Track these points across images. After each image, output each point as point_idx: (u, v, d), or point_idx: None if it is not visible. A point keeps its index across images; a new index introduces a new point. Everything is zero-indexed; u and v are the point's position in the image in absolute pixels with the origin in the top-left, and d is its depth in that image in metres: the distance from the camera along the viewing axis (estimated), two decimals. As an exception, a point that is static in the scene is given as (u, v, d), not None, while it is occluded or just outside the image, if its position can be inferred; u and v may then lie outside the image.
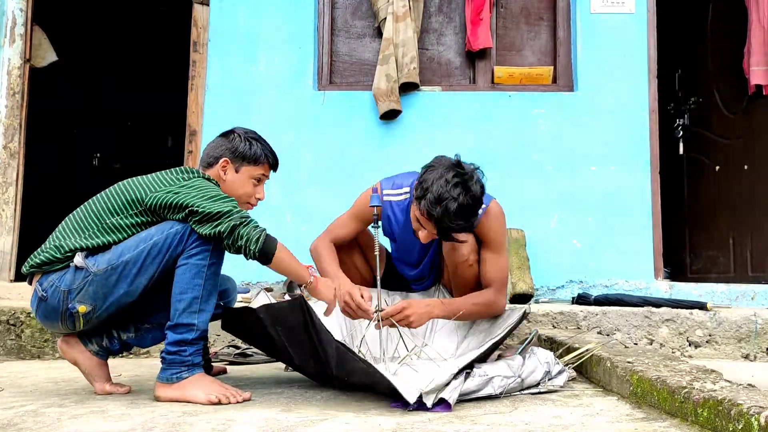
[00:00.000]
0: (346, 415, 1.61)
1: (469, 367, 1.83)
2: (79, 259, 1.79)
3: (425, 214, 2.00)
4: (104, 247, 1.84)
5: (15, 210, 3.81)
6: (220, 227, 1.78)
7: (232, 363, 2.66)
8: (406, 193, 2.31)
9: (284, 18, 3.85)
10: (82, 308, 1.80)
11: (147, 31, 6.30)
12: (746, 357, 2.82)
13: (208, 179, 1.97)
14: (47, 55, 4.09)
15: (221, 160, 2.03)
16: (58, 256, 1.82)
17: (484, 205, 2.14)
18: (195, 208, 1.80)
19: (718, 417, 1.34)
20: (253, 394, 1.87)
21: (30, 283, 1.89)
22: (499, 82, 3.88)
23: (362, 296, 2.04)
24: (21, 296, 3.52)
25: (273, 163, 2.12)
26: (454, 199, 1.94)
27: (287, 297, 3.26)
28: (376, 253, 2.10)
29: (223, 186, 2.02)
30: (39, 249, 1.87)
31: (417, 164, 3.68)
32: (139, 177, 1.95)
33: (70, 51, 5.27)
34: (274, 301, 2.23)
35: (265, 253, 1.81)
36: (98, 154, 6.98)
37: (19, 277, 3.79)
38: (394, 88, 3.63)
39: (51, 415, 1.63)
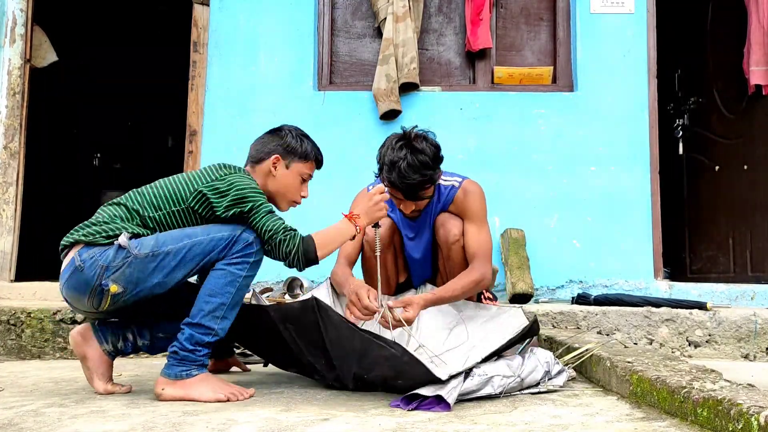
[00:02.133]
0: (346, 415, 1.61)
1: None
2: (123, 239, 1.80)
3: (388, 184, 2.19)
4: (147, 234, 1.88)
5: (15, 210, 3.81)
6: (271, 245, 1.89)
7: (232, 363, 2.66)
8: None
9: (284, 18, 3.86)
10: (113, 287, 1.79)
11: (147, 31, 6.30)
12: (746, 357, 2.82)
13: (244, 174, 1.99)
14: (47, 56, 4.10)
15: (273, 156, 2.06)
16: (104, 233, 1.84)
17: (457, 184, 2.35)
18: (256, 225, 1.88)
19: (717, 417, 1.34)
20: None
21: (63, 258, 1.89)
22: (499, 82, 3.88)
23: (369, 297, 2.09)
24: (21, 296, 3.52)
25: (319, 162, 2.17)
26: (402, 159, 2.14)
27: (287, 297, 3.27)
28: (377, 254, 2.15)
29: (273, 182, 2.07)
30: (83, 224, 1.89)
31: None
32: (185, 174, 2.00)
33: (70, 50, 5.28)
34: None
35: (310, 262, 1.91)
36: (98, 154, 6.98)
37: (19, 276, 3.79)
38: (394, 88, 3.63)
39: (51, 415, 1.63)
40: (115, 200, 1.95)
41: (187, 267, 1.83)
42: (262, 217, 1.89)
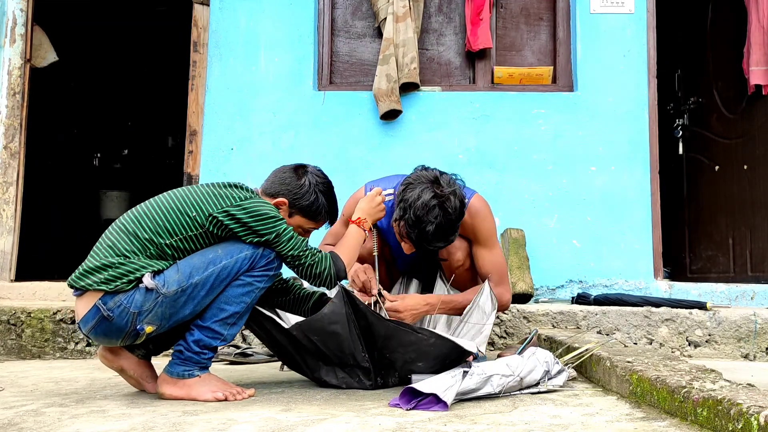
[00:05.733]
0: (346, 414, 1.61)
1: (466, 363, 1.86)
2: (149, 280, 1.75)
3: (405, 235, 2.07)
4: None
5: (15, 210, 3.81)
6: (299, 269, 1.92)
7: (232, 363, 2.67)
8: (390, 194, 2.31)
9: (284, 18, 3.86)
10: (149, 329, 1.78)
11: (147, 31, 6.30)
12: (746, 357, 2.82)
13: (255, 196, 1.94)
14: (47, 55, 4.10)
15: (279, 198, 2.00)
16: (125, 277, 1.76)
17: (466, 203, 2.20)
18: (280, 251, 1.88)
19: (717, 416, 1.34)
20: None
21: (76, 296, 1.81)
22: (499, 82, 3.88)
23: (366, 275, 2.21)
24: (21, 296, 3.52)
25: (331, 220, 2.12)
26: (431, 222, 1.98)
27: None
28: (375, 253, 2.21)
29: None
30: (94, 265, 1.78)
31: (417, 164, 3.69)
32: (188, 191, 1.90)
33: (70, 51, 5.27)
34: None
35: (341, 279, 1.95)
36: (98, 154, 6.98)
37: (19, 276, 3.80)
38: (394, 88, 3.63)
39: (51, 414, 1.63)
40: (121, 227, 1.84)
41: (216, 292, 1.82)
42: (286, 244, 1.87)
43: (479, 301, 2.20)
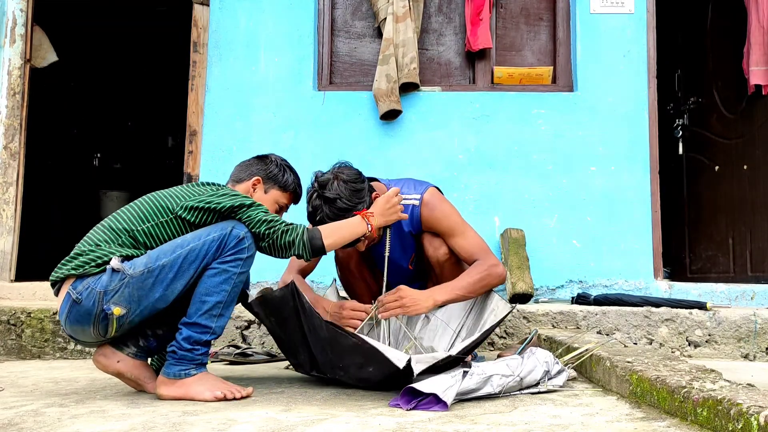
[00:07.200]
0: (346, 414, 1.61)
1: (466, 364, 1.85)
2: (115, 262, 1.78)
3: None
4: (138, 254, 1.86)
5: (15, 210, 3.82)
6: (272, 237, 1.89)
7: (232, 363, 2.67)
8: (408, 199, 2.32)
9: (284, 18, 3.86)
10: (117, 310, 1.78)
11: (147, 31, 6.30)
12: (746, 357, 2.82)
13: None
14: (47, 56, 4.10)
15: (254, 178, 2.13)
16: (93, 262, 1.80)
17: (417, 202, 2.23)
18: (241, 216, 1.89)
19: (717, 417, 1.34)
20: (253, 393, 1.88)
21: (57, 294, 1.86)
22: (499, 82, 3.88)
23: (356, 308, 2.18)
24: (21, 296, 3.52)
25: (296, 196, 2.21)
26: (319, 210, 2.11)
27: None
28: (386, 254, 2.17)
29: None
30: (69, 257, 1.85)
31: (417, 164, 3.72)
32: (166, 189, 2.00)
33: (70, 51, 5.27)
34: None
35: (316, 250, 1.91)
36: (98, 154, 6.98)
37: (19, 276, 3.80)
38: (394, 88, 3.63)
39: (51, 414, 1.63)
40: (100, 225, 1.91)
41: (186, 276, 1.82)
42: (259, 212, 1.90)
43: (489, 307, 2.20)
